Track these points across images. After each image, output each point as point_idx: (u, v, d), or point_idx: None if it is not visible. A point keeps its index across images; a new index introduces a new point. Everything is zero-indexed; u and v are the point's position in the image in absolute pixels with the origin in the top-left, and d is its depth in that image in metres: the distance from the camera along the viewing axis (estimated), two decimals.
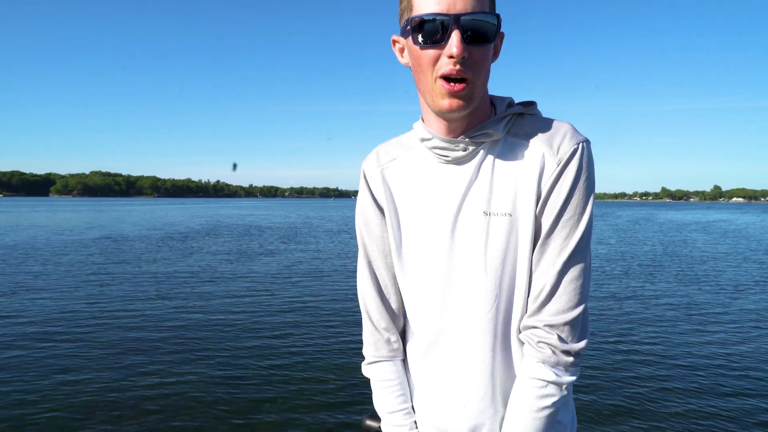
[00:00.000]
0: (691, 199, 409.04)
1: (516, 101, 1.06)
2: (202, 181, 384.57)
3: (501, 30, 0.98)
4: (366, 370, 1.19)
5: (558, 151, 0.96)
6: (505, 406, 1.03)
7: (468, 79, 0.92)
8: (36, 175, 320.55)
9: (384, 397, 1.14)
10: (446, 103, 0.94)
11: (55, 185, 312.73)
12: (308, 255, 15.10)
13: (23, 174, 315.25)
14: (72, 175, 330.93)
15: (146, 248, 16.59)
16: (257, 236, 22.02)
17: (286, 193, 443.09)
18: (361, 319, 1.17)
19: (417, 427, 1.12)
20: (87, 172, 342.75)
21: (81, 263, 12.69)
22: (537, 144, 0.99)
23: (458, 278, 1.02)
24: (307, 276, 11.03)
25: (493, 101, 1.06)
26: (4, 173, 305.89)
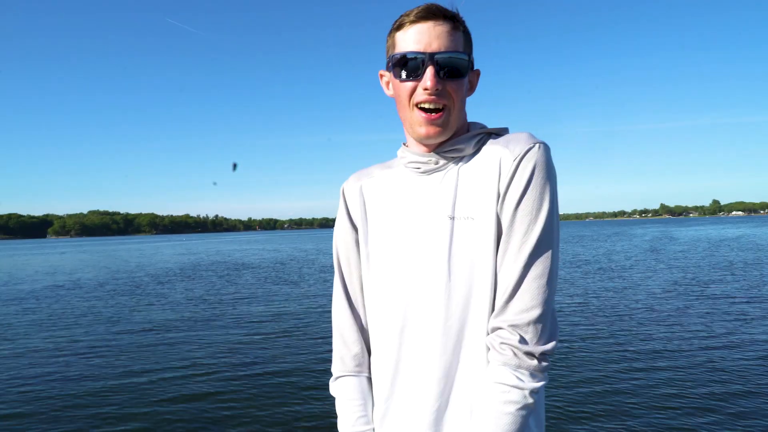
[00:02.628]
0: (691, 215, 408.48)
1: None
2: (201, 217, 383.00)
3: (476, 68, 1.11)
4: (332, 387, 1.20)
5: (513, 151, 1.01)
6: (466, 413, 1.02)
7: (444, 106, 1.04)
8: (33, 217, 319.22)
9: (346, 415, 1.15)
10: (424, 130, 1.05)
11: (52, 226, 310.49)
12: (291, 299, 12.13)
13: (21, 216, 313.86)
14: (70, 216, 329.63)
15: (99, 296, 13.64)
16: (237, 277, 19.00)
17: (285, 225, 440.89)
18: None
19: None
20: (85, 212, 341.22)
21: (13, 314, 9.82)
22: (496, 149, 1.05)
23: (423, 282, 1.05)
24: (285, 331, 8.20)
25: (469, 127, 1.14)
26: (1, 216, 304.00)
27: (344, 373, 1.18)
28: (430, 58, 1.01)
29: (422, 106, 1.04)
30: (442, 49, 1.02)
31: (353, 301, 1.19)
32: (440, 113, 1.03)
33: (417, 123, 1.05)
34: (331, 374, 1.21)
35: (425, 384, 1.03)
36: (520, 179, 0.99)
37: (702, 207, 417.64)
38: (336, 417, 1.17)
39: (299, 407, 5.18)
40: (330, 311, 1.22)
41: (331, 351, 1.21)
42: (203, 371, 6.55)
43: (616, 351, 6.82)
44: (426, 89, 1.01)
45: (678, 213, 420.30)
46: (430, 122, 1.04)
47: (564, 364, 6.26)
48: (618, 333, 7.80)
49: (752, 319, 8.45)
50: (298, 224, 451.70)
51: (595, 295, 11.49)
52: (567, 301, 10.75)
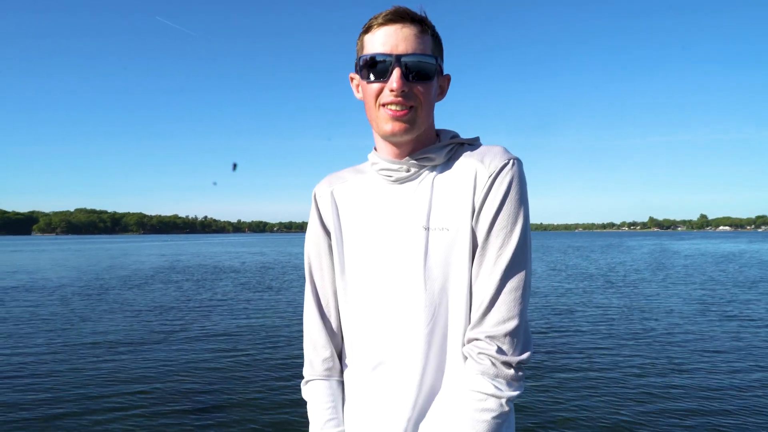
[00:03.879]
0: (679, 228, 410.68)
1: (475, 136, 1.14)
2: (189, 217, 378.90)
3: (446, 73, 1.14)
4: (303, 391, 1.21)
5: (489, 166, 1.03)
6: (444, 417, 1.02)
7: (411, 107, 1.04)
8: (19, 213, 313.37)
9: (316, 418, 1.16)
10: (389, 127, 1.05)
11: (38, 223, 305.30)
12: (268, 308, 10.59)
13: (5, 212, 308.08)
14: (56, 213, 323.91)
15: (52, 300, 12.00)
16: (213, 282, 17.42)
17: (275, 228, 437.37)
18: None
19: None
20: (72, 210, 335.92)
21: None
22: (471, 162, 1.06)
23: (398, 291, 1.06)
24: (257, 342, 6.70)
25: (438, 133, 1.16)
26: None
27: (313, 377, 1.19)
28: (397, 59, 1.02)
29: (389, 106, 1.04)
30: (409, 51, 1.03)
31: (324, 306, 1.19)
32: (406, 111, 1.04)
33: (383, 120, 1.05)
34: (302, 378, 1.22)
35: (405, 389, 1.04)
36: (495, 195, 1.01)
37: (690, 221, 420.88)
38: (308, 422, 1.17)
39: (270, 415, 4.89)
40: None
41: (301, 358, 1.20)
42: (153, 390, 5.49)
43: (656, 375, 5.57)
44: (392, 90, 1.02)
45: (666, 226, 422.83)
46: (396, 119, 1.04)
47: (596, 390, 5.04)
48: (654, 356, 6.65)
49: None
50: (288, 227, 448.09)
51: (617, 313, 10.11)
52: (590, 320, 9.37)
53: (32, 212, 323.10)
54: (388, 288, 1.07)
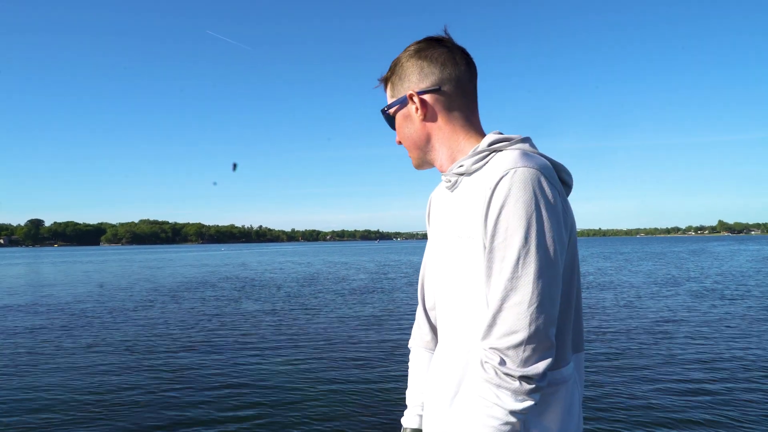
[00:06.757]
0: (753, 232, 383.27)
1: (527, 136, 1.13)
2: (245, 227, 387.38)
3: (408, 93, 1.19)
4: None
5: (493, 176, 1.01)
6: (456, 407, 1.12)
7: (403, 145, 1.27)
8: (89, 225, 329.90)
9: (409, 377, 1.42)
10: None
11: (105, 234, 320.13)
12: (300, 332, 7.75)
13: (77, 224, 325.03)
14: (122, 224, 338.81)
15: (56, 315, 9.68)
16: (245, 298, 14.72)
17: (328, 237, 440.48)
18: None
19: (419, 413, 1.36)
20: (136, 221, 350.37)
21: None
22: (491, 170, 1.05)
23: (442, 292, 1.19)
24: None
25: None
26: (59, 224, 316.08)
27: (412, 345, 1.42)
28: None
29: None
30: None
31: (425, 293, 1.38)
32: (409, 152, 1.26)
33: None
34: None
35: (448, 373, 1.16)
36: (494, 207, 0.99)
37: (765, 224, 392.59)
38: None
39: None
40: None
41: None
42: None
43: None
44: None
45: (738, 230, 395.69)
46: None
47: None
48: None
49: None
50: (341, 236, 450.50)
51: None
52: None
53: (101, 224, 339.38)
54: (438, 288, 1.21)
